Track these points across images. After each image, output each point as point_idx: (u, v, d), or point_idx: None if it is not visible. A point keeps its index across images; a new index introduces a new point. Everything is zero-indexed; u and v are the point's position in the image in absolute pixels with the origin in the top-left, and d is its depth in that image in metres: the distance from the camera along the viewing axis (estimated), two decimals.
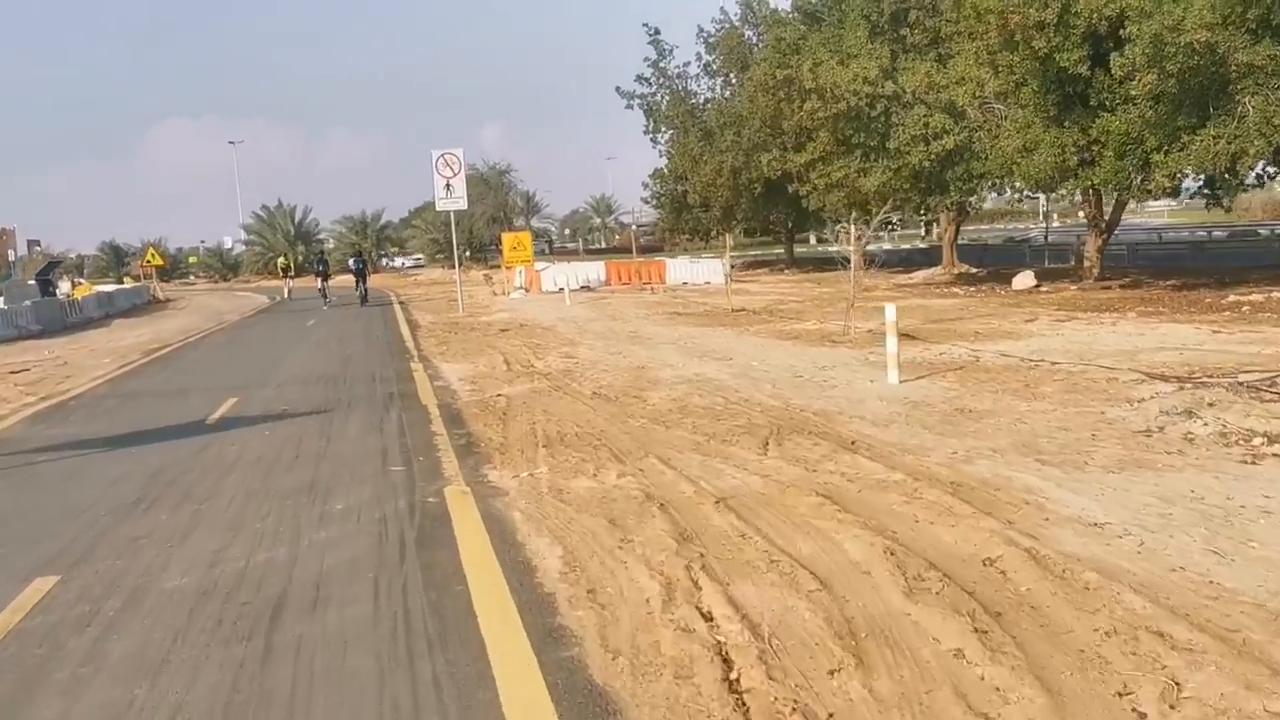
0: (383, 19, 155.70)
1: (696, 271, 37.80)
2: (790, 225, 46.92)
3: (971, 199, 30.63)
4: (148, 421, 11.29)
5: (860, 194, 27.41)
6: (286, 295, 43.44)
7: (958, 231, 35.98)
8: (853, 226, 16.64)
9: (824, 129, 26.89)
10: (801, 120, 28.18)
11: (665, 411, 9.99)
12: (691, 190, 42.77)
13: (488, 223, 59.94)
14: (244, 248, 79.08)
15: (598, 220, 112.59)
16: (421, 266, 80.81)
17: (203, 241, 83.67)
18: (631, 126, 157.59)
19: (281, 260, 48.53)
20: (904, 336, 15.90)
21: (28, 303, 30.48)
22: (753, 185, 38.43)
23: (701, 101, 45.45)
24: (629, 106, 46.71)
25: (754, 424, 9.04)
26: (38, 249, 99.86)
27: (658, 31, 45.82)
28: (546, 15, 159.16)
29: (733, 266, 39.50)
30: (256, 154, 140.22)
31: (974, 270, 36.57)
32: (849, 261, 17.20)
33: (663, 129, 46.97)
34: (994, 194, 33.98)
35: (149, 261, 47.14)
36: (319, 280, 38.79)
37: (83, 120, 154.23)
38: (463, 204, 27.13)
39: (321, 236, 76.99)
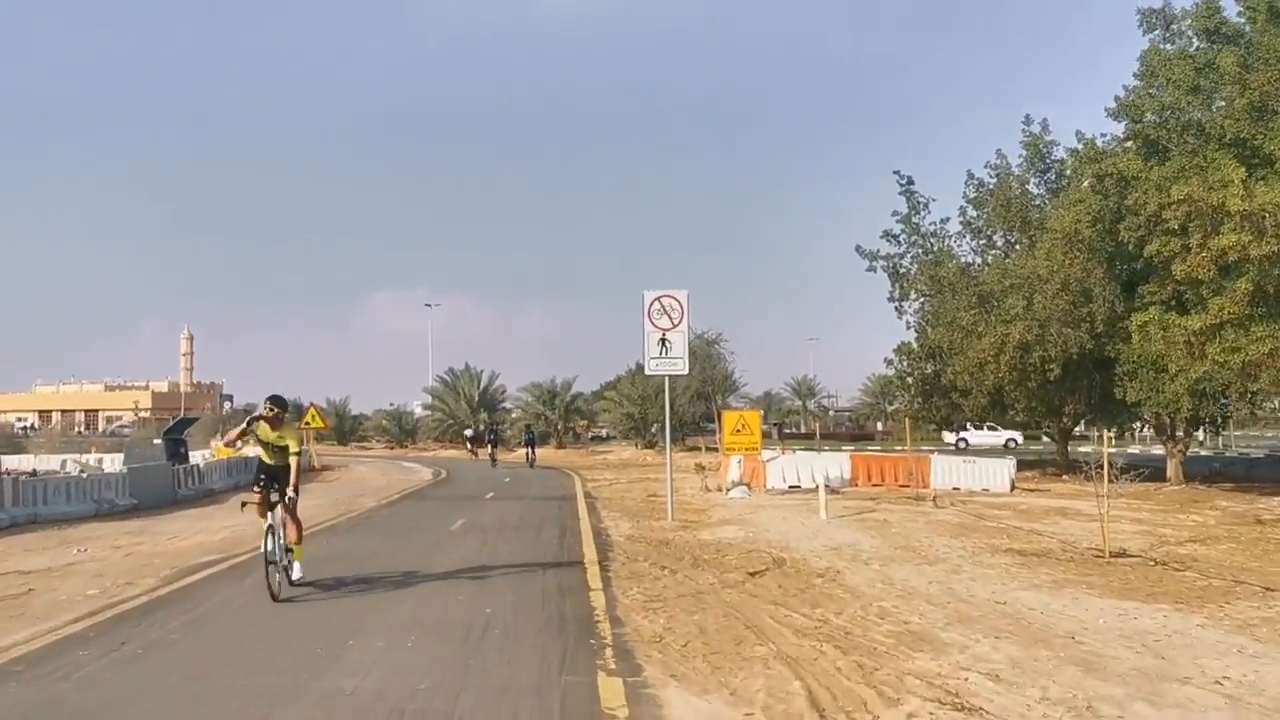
0: (577, 202, 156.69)
1: (973, 474, 28.60)
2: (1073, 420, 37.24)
3: None
4: None
5: None
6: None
7: None
8: None
9: (1245, 278, 17.88)
10: (1194, 268, 19.27)
11: None
12: (954, 369, 33.89)
13: (691, 399, 52.39)
14: (426, 413, 74.21)
15: (798, 403, 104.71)
16: (604, 439, 73.80)
17: (392, 403, 79.63)
18: (836, 304, 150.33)
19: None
20: None
21: (123, 469, 24.16)
22: (1047, 366, 29.30)
23: (963, 264, 37.04)
24: (871, 269, 38.74)
25: None
26: (227, 405, 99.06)
27: (910, 182, 38.06)
28: (736, 186, 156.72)
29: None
30: (457, 327, 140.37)
31: None
32: None
33: (912, 295, 38.67)
34: None
35: (308, 424, 41.41)
36: (491, 448, 44.88)
37: (302, 285, 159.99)
38: (682, 367, 19.32)
39: (507, 405, 71.36)
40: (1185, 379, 25.09)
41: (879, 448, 62.94)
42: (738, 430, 25.56)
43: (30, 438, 67.86)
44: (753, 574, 12.23)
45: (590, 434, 75.34)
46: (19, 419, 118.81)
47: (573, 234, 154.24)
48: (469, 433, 51.91)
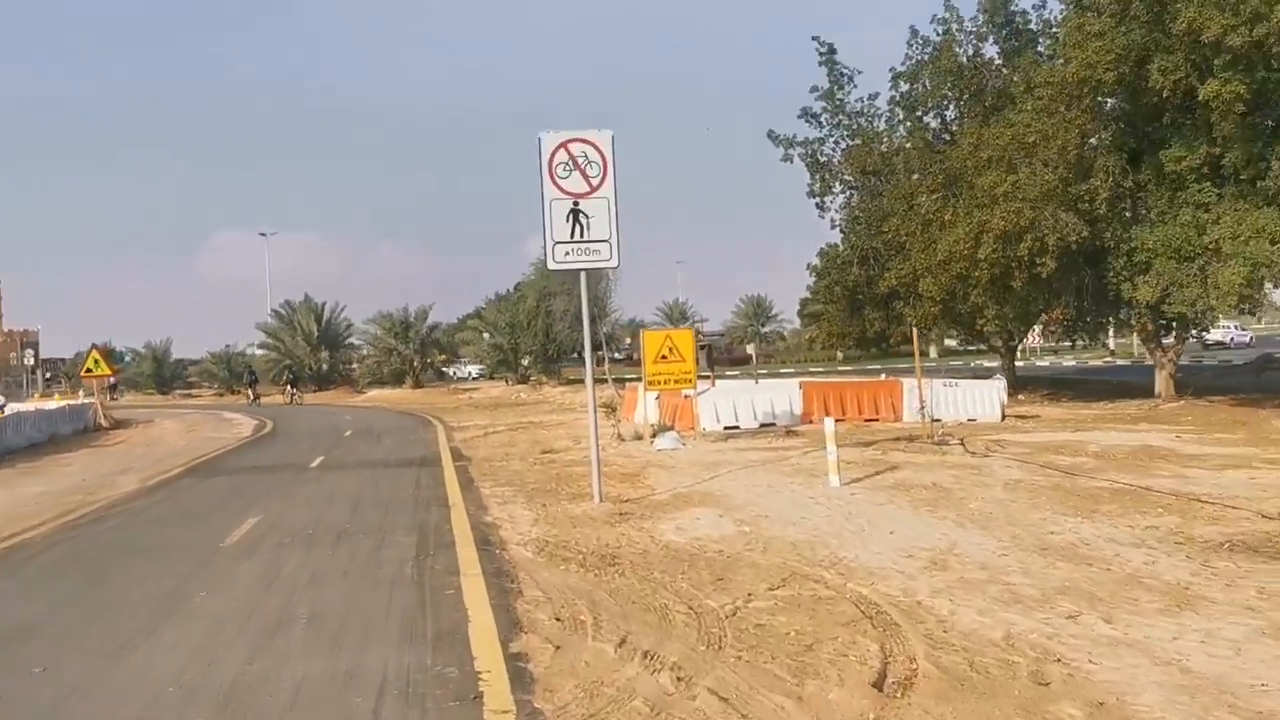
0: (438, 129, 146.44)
1: (957, 400, 22.39)
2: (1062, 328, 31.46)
3: None
4: None
5: None
6: None
7: None
8: None
9: None
10: None
11: None
12: (900, 272, 27.45)
13: (572, 322, 44.70)
14: (261, 352, 64.73)
15: (670, 329, 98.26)
16: (465, 377, 65.68)
17: (228, 345, 69.35)
18: (700, 231, 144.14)
19: None
20: None
21: None
22: (1037, 260, 22.99)
23: (894, 149, 30.49)
24: (786, 158, 31.97)
25: None
26: (28, 349, 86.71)
27: (832, 50, 31.33)
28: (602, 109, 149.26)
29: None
30: (305, 266, 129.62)
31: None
32: None
33: (836, 187, 32.11)
34: None
35: (90, 370, 32.60)
36: (250, 389, 49.28)
37: (140, 229, 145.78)
38: (607, 255, 11.91)
39: (353, 340, 62.58)
40: (1244, 265, 19.23)
41: (850, 368, 56.47)
42: (663, 356, 18.61)
43: None
44: (897, 695, 5.19)
45: (445, 368, 66.70)
46: None
47: (418, 157, 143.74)
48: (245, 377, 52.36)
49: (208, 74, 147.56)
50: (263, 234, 72.51)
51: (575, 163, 11.74)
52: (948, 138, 29.19)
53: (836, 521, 9.94)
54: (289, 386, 49.48)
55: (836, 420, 21.49)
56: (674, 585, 7.63)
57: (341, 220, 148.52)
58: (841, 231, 32.56)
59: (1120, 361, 53.77)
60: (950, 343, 62.99)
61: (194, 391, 67.30)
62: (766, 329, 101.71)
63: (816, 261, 33.32)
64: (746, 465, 14.82)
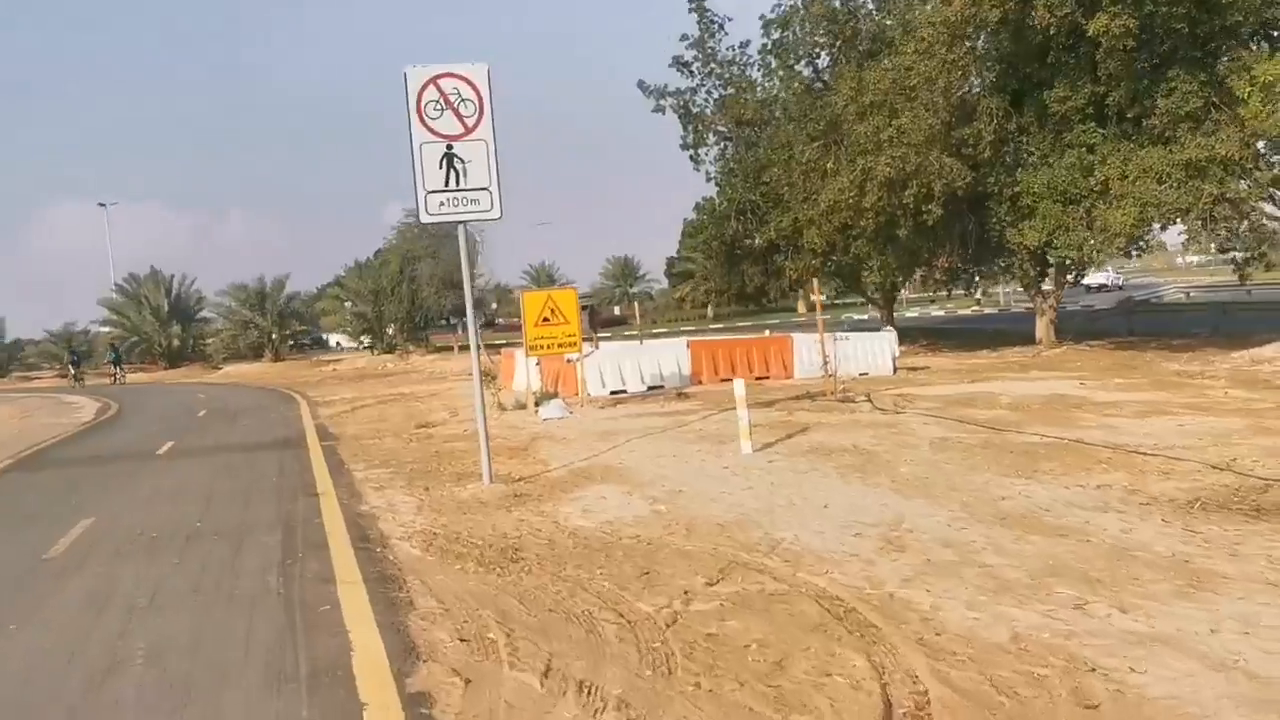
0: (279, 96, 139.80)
1: (849, 355, 21.71)
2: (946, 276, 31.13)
3: None
4: None
5: None
6: None
7: None
8: None
9: None
10: None
11: None
12: (782, 224, 26.75)
13: (439, 287, 42.65)
14: (106, 330, 60.59)
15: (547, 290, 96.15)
16: (349, 348, 62.72)
17: (68, 324, 64.40)
18: (563, 191, 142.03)
19: None
20: None
21: None
22: (923, 207, 22.47)
23: (806, 83, 29.54)
24: (659, 109, 30.99)
25: None
26: None
27: None
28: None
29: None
30: (153, 241, 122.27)
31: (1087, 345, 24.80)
32: None
33: (709, 139, 31.26)
34: None
35: None
36: (72, 369, 45.30)
37: None
38: (487, 205, 10.51)
39: (206, 314, 59.11)
40: (1133, 206, 18.98)
41: (721, 325, 55.55)
42: (545, 319, 17.33)
43: None
44: None
45: (306, 339, 63.21)
46: None
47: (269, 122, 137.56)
48: (109, 355, 47.69)
49: (41, 36, 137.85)
50: (101, 204, 67.51)
51: (447, 101, 10.33)
52: (821, 86, 28.48)
53: (762, 495, 8.92)
54: (111, 365, 45.53)
55: (726, 379, 20.84)
56: (594, 584, 6.48)
57: (189, 189, 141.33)
58: (717, 184, 31.75)
59: (988, 310, 54.79)
60: (819, 297, 63.22)
61: (33, 374, 62.84)
62: (635, 289, 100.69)
63: (693, 216, 32.46)
64: (645, 433, 13.71)
